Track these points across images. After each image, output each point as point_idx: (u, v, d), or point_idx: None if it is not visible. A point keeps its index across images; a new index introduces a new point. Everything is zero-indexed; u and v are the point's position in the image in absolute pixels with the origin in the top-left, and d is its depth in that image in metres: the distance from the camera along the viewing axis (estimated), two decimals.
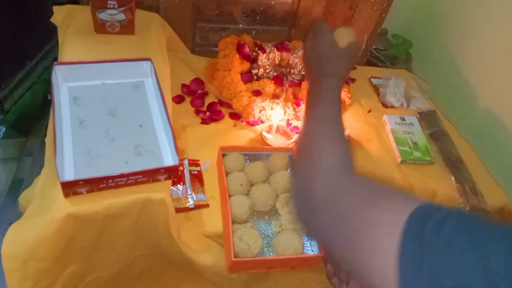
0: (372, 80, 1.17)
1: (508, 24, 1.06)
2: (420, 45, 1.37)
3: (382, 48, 1.36)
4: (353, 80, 1.14)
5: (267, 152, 0.85)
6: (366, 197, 0.41)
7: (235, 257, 0.66)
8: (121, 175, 0.60)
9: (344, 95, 1.02)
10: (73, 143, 0.66)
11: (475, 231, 0.31)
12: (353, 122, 1.03)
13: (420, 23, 1.40)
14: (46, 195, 0.62)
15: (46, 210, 0.59)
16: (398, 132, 0.99)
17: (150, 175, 0.62)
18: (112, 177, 0.59)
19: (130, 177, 0.61)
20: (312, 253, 0.74)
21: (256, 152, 0.86)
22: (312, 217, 0.46)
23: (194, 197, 0.76)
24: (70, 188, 0.58)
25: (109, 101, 0.74)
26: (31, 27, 1.37)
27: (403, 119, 1.03)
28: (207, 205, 0.76)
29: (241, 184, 0.77)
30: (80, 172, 0.62)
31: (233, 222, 0.73)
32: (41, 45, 1.47)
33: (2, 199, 1.15)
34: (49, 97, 1.46)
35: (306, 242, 0.75)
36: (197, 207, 0.76)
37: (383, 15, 1.08)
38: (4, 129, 1.32)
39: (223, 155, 0.81)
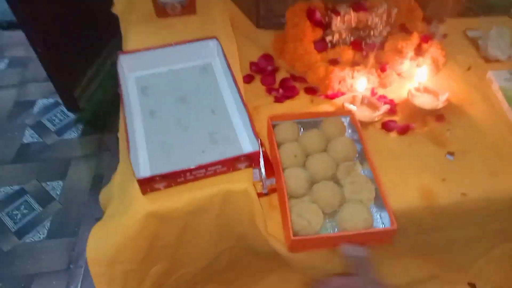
0: (468, 33, 1.00)
1: None
2: None
3: None
4: (444, 36, 0.98)
5: (323, 118, 0.76)
6: None
7: (294, 235, 0.59)
8: (199, 167, 0.54)
9: (438, 53, 0.88)
10: (146, 136, 0.62)
11: None
12: (450, 83, 0.88)
13: None
14: (124, 194, 0.58)
15: (125, 210, 0.56)
16: (510, 90, 0.82)
17: (230, 164, 0.56)
18: (190, 170, 0.54)
19: (209, 168, 0.55)
20: (383, 226, 0.64)
21: (312, 119, 0.76)
22: None
23: (267, 182, 0.69)
24: (147, 185, 0.54)
25: (178, 87, 0.69)
26: (96, 22, 1.38)
27: None
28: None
29: (295, 155, 0.68)
30: (156, 166, 0.58)
31: (290, 197, 0.66)
32: (107, 39, 1.48)
33: (87, 196, 1.18)
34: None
35: (375, 214, 0.65)
36: (270, 191, 0.69)
37: None
38: (81, 127, 1.36)
39: (274, 126, 0.72)
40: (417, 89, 0.83)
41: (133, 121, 0.62)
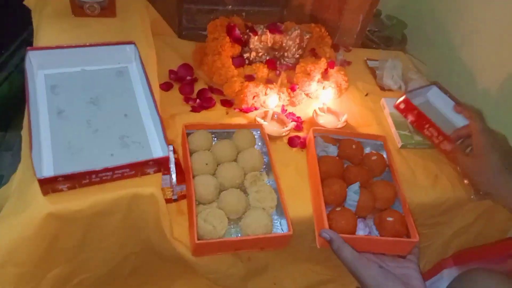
0: (368, 62, 1.12)
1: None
2: (414, 25, 1.32)
3: (376, 30, 1.31)
4: (348, 63, 1.09)
5: (236, 130, 0.81)
6: None
7: (199, 239, 0.62)
8: (106, 169, 0.54)
9: (341, 78, 0.97)
10: (52, 136, 0.60)
11: None
12: (350, 106, 0.98)
13: (414, 3, 1.35)
14: (23, 193, 0.56)
15: (23, 209, 0.54)
16: (397, 115, 0.94)
17: (138, 168, 0.57)
18: (96, 172, 0.54)
19: (116, 171, 0.55)
20: (282, 232, 0.70)
21: (225, 130, 0.81)
22: None
23: (177, 189, 0.71)
24: (48, 185, 0.53)
25: (90, 89, 0.68)
26: (4, 14, 1.28)
27: None
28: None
29: (206, 164, 0.72)
30: (60, 167, 0.57)
31: (199, 203, 0.69)
32: (17, 33, 1.38)
33: None
34: None
35: (275, 221, 0.71)
36: (180, 198, 0.71)
37: None
38: None
39: (188, 134, 0.76)
40: (321, 109, 0.92)
41: (38, 119, 0.61)
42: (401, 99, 0.91)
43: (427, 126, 0.87)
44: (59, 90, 0.66)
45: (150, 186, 0.59)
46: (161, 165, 0.59)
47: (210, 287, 0.82)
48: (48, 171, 0.55)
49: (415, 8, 1.34)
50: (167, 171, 0.71)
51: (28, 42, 1.43)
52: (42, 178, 0.51)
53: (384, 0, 1.19)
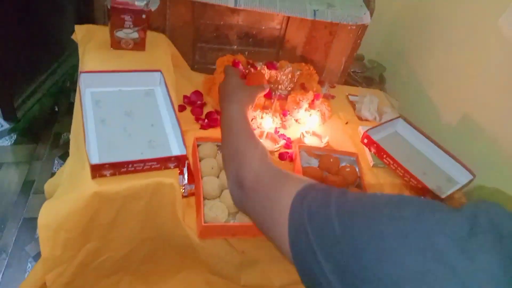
0: (350, 97, 1.33)
1: (464, 51, 1.25)
2: (392, 69, 1.55)
3: (359, 71, 1.53)
4: (332, 97, 1.30)
5: None
6: (276, 181, 0.55)
7: (205, 223, 0.79)
8: (140, 161, 0.72)
9: (325, 108, 1.18)
10: (97, 138, 0.79)
11: (331, 204, 0.43)
12: (332, 132, 1.18)
13: (392, 50, 1.59)
14: (75, 178, 0.74)
15: (75, 189, 0.71)
16: None
17: (162, 162, 0.75)
18: (132, 162, 0.72)
19: (147, 163, 0.74)
20: None
21: None
22: (243, 198, 0.60)
23: (188, 187, 0.89)
24: (97, 170, 0.71)
25: (125, 104, 0.87)
26: (44, 44, 1.50)
27: None
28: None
29: (212, 168, 0.90)
30: (103, 160, 0.75)
31: (205, 198, 0.86)
32: (51, 61, 1.60)
33: (16, 197, 1.25)
34: (56, 109, 1.58)
35: None
36: (190, 195, 0.89)
37: (358, 41, 1.25)
38: (15, 136, 1.43)
39: (198, 145, 0.94)
40: (308, 132, 1.11)
41: (87, 125, 0.79)
42: (363, 135, 1.10)
43: (385, 156, 1.06)
44: (102, 104, 0.85)
45: (170, 177, 0.77)
46: (179, 161, 0.77)
47: (208, 278, 0.97)
48: (95, 160, 0.74)
49: (393, 54, 1.58)
50: (181, 172, 0.90)
51: (58, 70, 1.64)
52: (94, 164, 0.69)
53: (367, 46, 1.42)
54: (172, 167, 0.78)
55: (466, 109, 1.24)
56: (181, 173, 0.90)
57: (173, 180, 0.77)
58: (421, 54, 1.44)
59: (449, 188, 1.07)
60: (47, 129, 1.50)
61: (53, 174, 1.33)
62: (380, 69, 1.54)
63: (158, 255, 0.94)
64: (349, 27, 1.21)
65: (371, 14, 1.18)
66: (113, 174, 0.73)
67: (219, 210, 0.83)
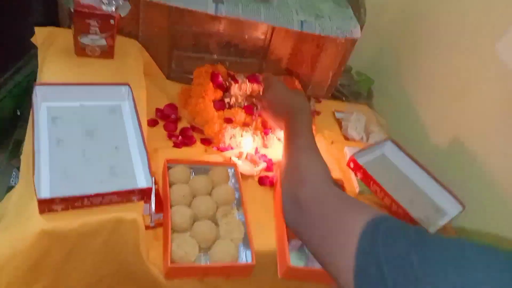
0: (336, 114, 1.25)
1: (458, 72, 1.19)
2: (380, 83, 1.49)
3: (346, 84, 1.46)
4: (318, 113, 1.22)
5: (212, 166, 0.91)
6: (339, 204, 0.54)
7: (171, 263, 0.70)
8: (97, 195, 0.63)
9: None
10: (50, 162, 0.68)
11: (410, 239, 0.41)
12: None
13: (381, 63, 1.52)
14: (21, 211, 0.64)
15: (20, 225, 0.61)
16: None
17: (124, 196, 0.66)
18: (88, 196, 0.62)
19: (105, 197, 0.64)
20: (246, 261, 0.78)
21: (203, 166, 0.91)
22: (298, 217, 0.59)
23: (155, 216, 0.79)
24: (46, 205, 0.60)
25: (86, 122, 0.77)
26: (3, 43, 1.37)
27: None
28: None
29: (183, 195, 0.81)
30: (55, 190, 0.65)
31: (174, 231, 0.77)
32: (13, 61, 1.46)
33: None
34: (18, 113, 1.45)
35: (241, 252, 0.80)
36: (157, 225, 0.79)
37: (347, 55, 1.18)
38: None
39: (169, 168, 0.85)
40: None
41: (40, 146, 0.69)
42: (349, 159, 1.03)
43: (371, 182, 0.99)
44: (59, 122, 0.75)
45: (133, 212, 0.67)
46: (144, 194, 0.68)
47: None
48: (45, 193, 0.63)
49: (382, 67, 1.51)
50: (148, 199, 0.80)
51: (22, 70, 1.51)
52: (42, 199, 0.59)
53: (355, 57, 1.35)
54: (135, 200, 0.68)
55: (457, 133, 1.18)
56: (148, 200, 0.80)
57: (136, 216, 0.67)
58: (412, 71, 1.37)
59: (436, 219, 1.01)
60: (6, 135, 1.37)
61: (9, 188, 1.21)
62: (368, 82, 1.48)
63: None
64: (337, 40, 1.13)
65: (361, 28, 1.10)
66: (65, 209, 0.63)
67: (189, 247, 0.74)
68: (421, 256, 0.39)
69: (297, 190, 0.61)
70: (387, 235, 0.42)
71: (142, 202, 0.70)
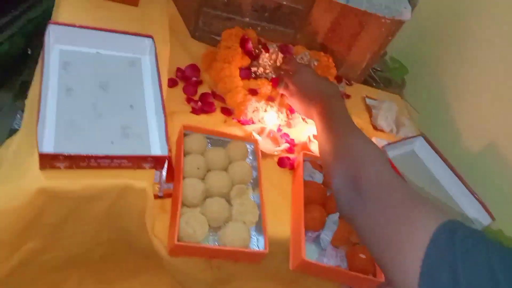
0: (367, 100, 1.16)
1: (503, 72, 1.09)
2: (415, 72, 1.38)
3: (379, 69, 1.36)
4: (348, 96, 1.13)
5: (231, 140, 0.83)
6: (405, 195, 0.49)
7: (178, 241, 0.64)
8: (106, 157, 0.55)
9: None
10: (57, 112, 0.61)
11: (490, 247, 0.39)
12: None
13: (419, 52, 1.41)
14: (20, 163, 0.56)
15: (17, 179, 0.54)
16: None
17: (136, 162, 0.59)
18: (95, 157, 0.55)
19: (115, 160, 0.57)
20: (257, 249, 0.72)
21: (220, 138, 0.83)
22: (356, 202, 0.53)
23: (165, 186, 0.72)
24: (47, 160, 0.53)
25: (101, 73, 0.69)
26: None
27: None
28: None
29: (198, 168, 0.74)
30: (60, 145, 0.57)
31: (184, 205, 0.70)
32: None
33: None
34: (29, 52, 1.37)
35: (253, 237, 0.73)
36: (166, 196, 0.72)
37: (389, 38, 1.08)
38: None
39: (185, 135, 0.77)
40: (315, 137, 0.95)
41: (47, 93, 0.61)
42: None
43: None
44: (71, 68, 0.67)
45: (143, 180, 0.60)
46: (158, 163, 0.61)
47: (174, 286, 0.83)
48: (48, 146, 0.56)
49: (418, 56, 1.41)
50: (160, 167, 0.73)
51: (37, 7, 1.41)
52: (44, 153, 0.52)
53: (392, 42, 1.24)
54: (147, 168, 0.61)
55: (493, 138, 1.09)
56: (159, 168, 0.73)
57: (146, 185, 0.60)
58: (453, 65, 1.27)
59: None
60: (14, 75, 1.29)
61: (11, 131, 1.14)
62: (403, 71, 1.37)
63: (117, 256, 0.78)
64: (382, 20, 1.03)
65: (412, 10, 1.00)
66: (68, 167, 0.56)
67: (198, 225, 0.67)
68: (504, 264, 0.37)
69: (356, 172, 0.55)
70: (464, 240, 0.40)
71: (153, 171, 0.62)
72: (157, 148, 0.63)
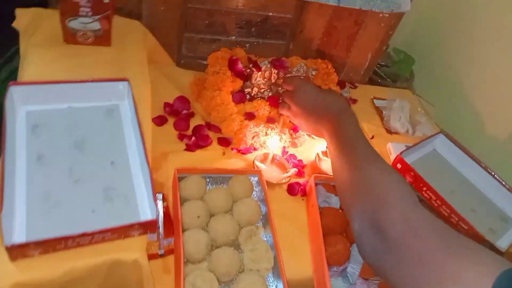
0: (375, 101, 1.07)
1: None
2: (422, 62, 1.28)
3: (383, 64, 1.26)
4: (354, 101, 1.04)
5: (231, 175, 0.75)
6: (443, 241, 0.41)
7: None
8: (84, 234, 0.48)
9: None
10: (28, 185, 0.54)
11: None
12: None
13: (423, 38, 1.31)
14: None
15: None
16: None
17: (121, 232, 0.51)
18: (72, 237, 0.47)
19: (96, 235, 0.49)
20: None
21: (220, 175, 0.75)
22: (382, 250, 0.45)
23: (165, 242, 0.64)
24: (18, 251, 0.46)
25: (76, 130, 0.62)
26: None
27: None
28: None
29: (198, 216, 0.66)
30: (34, 224, 0.50)
31: (187, 261, 0.62)
32: (7, 46, 1.32)
33: None
34: None
35: (270, 284, 0.65)
36: (167, 252, 0.65)
37: (390, 32, 0.99)
38: None
39: (180, 178, 0.69)
40: (324, 154, 0.86)
41: (14, 166, 0.54)
42: (396, 158, 0.86)
43: (424, 188, 0.82)
44: (41, 131, 0.60)
45: (134, 251, 0.52)
46: (148, 227, 0.53)
47: None
48: (19, 232, 0.49)
49: (424, 43, 1.30)
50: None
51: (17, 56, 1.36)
52: (10, 245, 0.44)
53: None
54: (136, 235, 0.53)
55: None
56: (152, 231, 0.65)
57: (138, 255, 0.52)
58: (462, 48, 1.16)
59: (505, 231, 0.83)
60: None
61: None
62: (410, 62, 1.27)
63: None
64: (380, 15, 0.94)
65: None
66: (44, 253, 0.48)
67: (206, 285, 0.59)
68: None
69: (378, 214, 0.47)
70: None
71: (145, 237, 0.55)
72: (146, 208, 0.56)
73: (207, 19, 0.89)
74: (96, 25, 0.72)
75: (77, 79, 0.63)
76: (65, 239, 0.47)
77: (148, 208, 0.56)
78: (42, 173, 0.55)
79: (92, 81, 0.64)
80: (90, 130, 0.62)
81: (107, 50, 0.76)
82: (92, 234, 0.48)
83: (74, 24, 0.71)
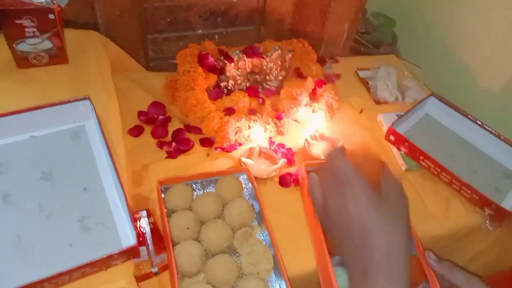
0: (359, 73, 1.02)
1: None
2: (404, 23, 1.23)
3: (364, 31, 1.21)
4: (337, 76, 0.99)
5: (217, 177, 0.71)
6: None
7: None
8: (60, 275, 0.44)
9: (331, 98, 0.88)
10: None
11: None
12: (344, 127, 0.89)
13: None
14: None
15: None
16: None
17: (101, 265, 0.47)
18: (48, 279, 0.44)
19: (74, 272, 0.46)
20: None
21: (205, 179, 0.71)
22: None
23: (157, 259, 0.61)
24: None
25: (41, 160, 0.58)
26: None
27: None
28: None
29: (187, 228, 0.62)
30: (7, 273, 0.47)
31: (182, 276, 0.59)
32: None
33: None
34: None
35: (273, 284, 0.62)
36: (162, 269, 0.61)
37: None
38: None
39: (164, 190, 0.66)
40: (313, 137, 0.82)
41: None
42: (388, 130, 0.82)
43: (421, 157, 0.78)
44: (4, 168, 0.56)
45: (119, 279, 0.49)
46: (131, 253, 0.49)
47: None
48: None
49: (403, 2, 1.25)
50: (142, 242, 0.62)
51: None
52: None
53: None
54: (119, 263, 0.50)
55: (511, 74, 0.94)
56: (143, 243, 0.62)
57: (124, 284, 0.49)
58: (444, 2, 1.11)
59: (509, 188, 0.80)
60: None
61: None
62: (390, 24, 1.22)
63: None
64: None
65: None
66: None
67: None
68: None
69: None
70: None
71: (130, 263, 0.51)
72: (127, 232, 0.52)
73: (168, 17, 0.84)
74: (47, 44, 0.67)
75: (34, 106, 0.59)
76: (40, 283, 0.44)
77: (129, 232, 0.52)
78: (10, 214, 0.52)
79: (51, 105, 0.60)
80: (57, 158, 0.58)
81: (65, 68, 0.72)
82: (69, 272, 0.45)
83: (23, 47, 0.66)
